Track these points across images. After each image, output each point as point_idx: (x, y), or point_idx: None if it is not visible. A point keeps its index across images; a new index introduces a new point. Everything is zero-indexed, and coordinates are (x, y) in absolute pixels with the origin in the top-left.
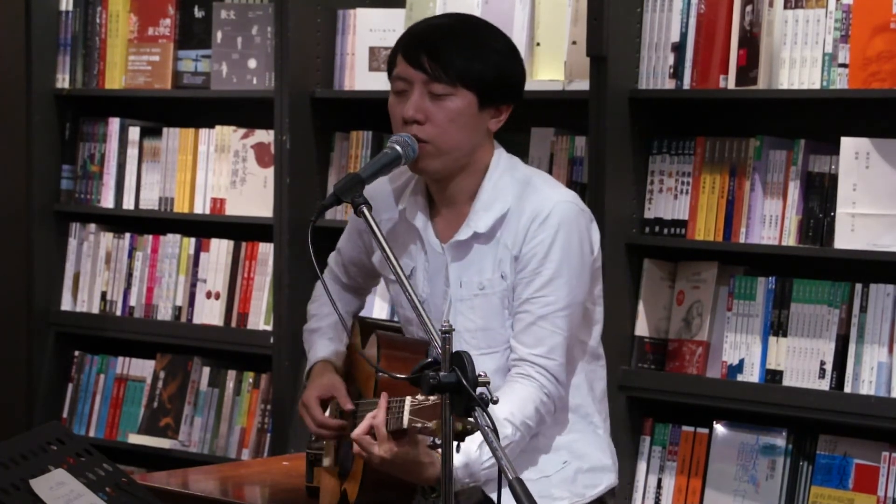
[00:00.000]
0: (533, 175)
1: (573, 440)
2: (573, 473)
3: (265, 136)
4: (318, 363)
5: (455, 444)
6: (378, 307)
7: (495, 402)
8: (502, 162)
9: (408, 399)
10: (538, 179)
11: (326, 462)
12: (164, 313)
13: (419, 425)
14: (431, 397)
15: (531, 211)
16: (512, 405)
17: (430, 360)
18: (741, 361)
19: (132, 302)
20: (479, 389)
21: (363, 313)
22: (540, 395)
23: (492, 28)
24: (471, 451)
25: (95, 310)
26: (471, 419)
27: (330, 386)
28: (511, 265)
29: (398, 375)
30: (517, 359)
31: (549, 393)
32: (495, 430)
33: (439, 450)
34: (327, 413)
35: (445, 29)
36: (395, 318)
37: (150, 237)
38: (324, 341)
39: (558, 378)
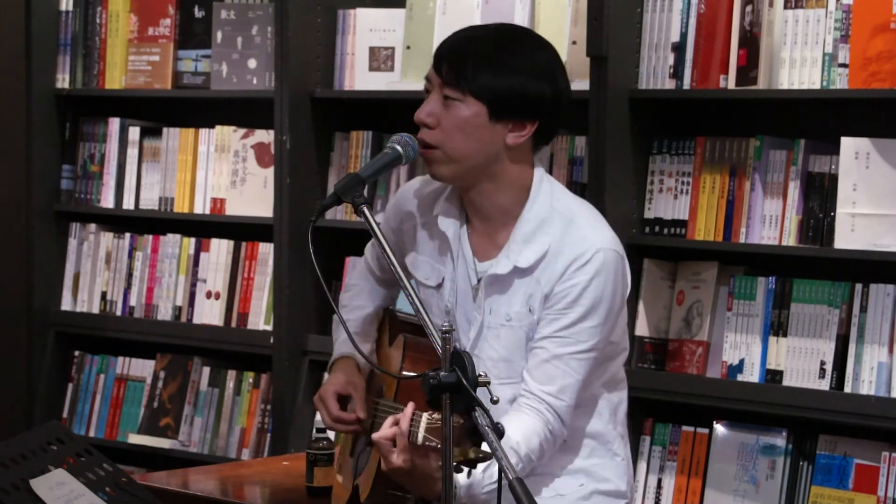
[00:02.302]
0: (577, 211)
1: (592, 465)
2: (589, 493)
3: (265, 136)
4: (342, 358)
5: (466, 469)
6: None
7: (496, 402)
8: (543, 187)
9: (424, 416)
10: (581, 217)
11: (344, 449)
12: (164, 313)
13: (433, 444)
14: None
15: (571, 253)
16: (519, 436)
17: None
18: (741, 361)
19: (132, 302)
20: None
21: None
22: (545, 431)
23: (528, 43)
24: (476, 473)
25: (95, 310)
26: (484, 449)
27: (349, 384)
28: (541, 301)
29: (401, 375)
30: (527, 391)
31: (553, 430)
32: (496, 431)
33: (460, 478)
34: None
35: (475, 38)
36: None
37: (150, 237)
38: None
39: (563, 419)
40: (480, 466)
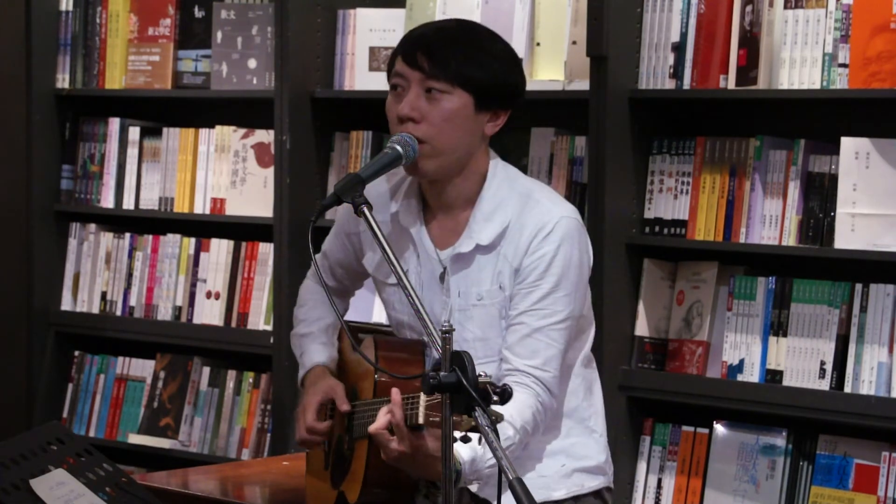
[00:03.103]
0: (533, 188)
1: (571, 444)
2: (570, 472)
3: (265, 136)
4: (314, 367)
5: (476, 437)
6: (378, 310)
7: (495, 402)
8: (499, 170)
9: (422, 396)
10: (539, 193)
11: (315, 466)
12: (164, 313)
13: (436, 419)
14: None
15: (534, 225)
16: (512, 408)
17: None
18: (741, 361)
19: (132, 302)
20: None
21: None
22: (536, 404)
23: (493, 35)
24: (476, 448)
25: (95, 310)
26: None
27: (329, 389)
28: (510, 277)
29: (401, 376)
30: (512, 369)
31: (543, 402)
32: (496, 430)
33: (458, 442)
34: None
35: (445, 31)
36: (381, 322)
37: (150, 237)
38: (316, 346)
39: (552, 390)
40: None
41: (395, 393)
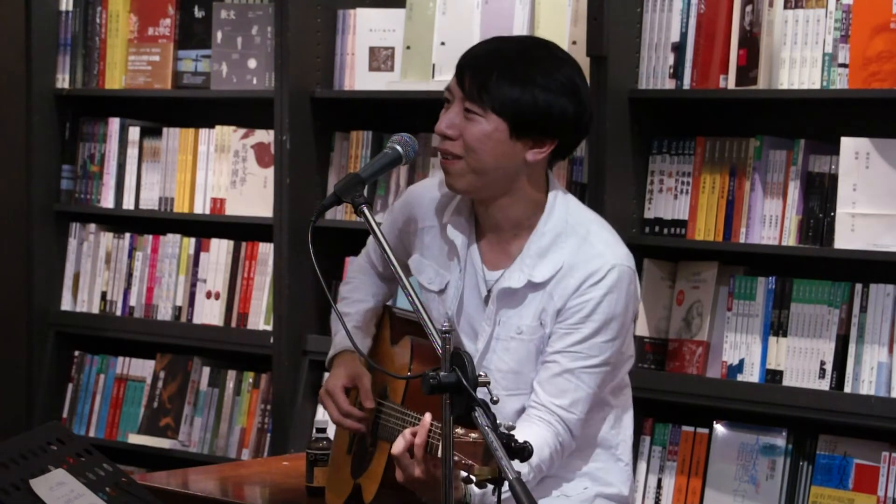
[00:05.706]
0: (591, 227)
1: (596, 468)
2: (592, 496)
3: (265, 136)
4: (344, 352)
5: (492, 487)
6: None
7: (496, 402)
8: (558, 203)
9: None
10: (595, 234)
11: (340, 443)
12: (164, 313)
13: (455, 459)
14: (472, 434)
15: (586, 269)
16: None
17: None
18: (741, 361)
19: (132, 302)
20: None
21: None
22: (556, 443)
23: (558, 61)
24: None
25: (95, 310)
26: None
27: (355, 376)
28: (552, 315)
29: (400, 375)
30: (538, 403)
31: (563, 442)
32: (495, 430)
33: (474, 487)
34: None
35: (499, 52)
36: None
37: (150, 237)
38: (351, 329)
39: (573, 432)
40: None
41: (427, 417)
